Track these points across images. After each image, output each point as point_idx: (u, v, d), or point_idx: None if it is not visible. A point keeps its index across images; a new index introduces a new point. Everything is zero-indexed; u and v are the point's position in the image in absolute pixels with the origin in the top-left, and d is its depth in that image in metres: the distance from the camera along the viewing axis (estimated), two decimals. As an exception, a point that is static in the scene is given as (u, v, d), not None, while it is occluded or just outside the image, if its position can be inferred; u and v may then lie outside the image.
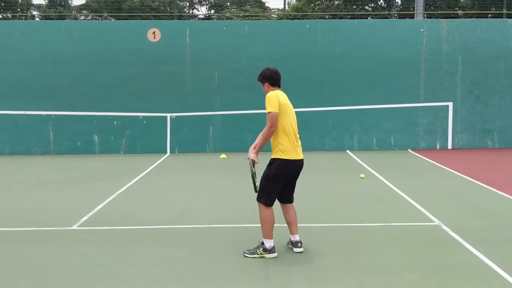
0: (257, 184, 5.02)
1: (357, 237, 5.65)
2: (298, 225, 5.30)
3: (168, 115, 13.15)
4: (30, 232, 6.02)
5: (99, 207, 7.17)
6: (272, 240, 4.95)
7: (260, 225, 5.02)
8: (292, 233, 5.18)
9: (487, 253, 5.00)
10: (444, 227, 5.95)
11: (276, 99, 4.83)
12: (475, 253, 5.04)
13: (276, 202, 5.08)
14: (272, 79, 5.05)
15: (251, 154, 4.92)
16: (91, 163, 11.54)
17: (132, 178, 9.49)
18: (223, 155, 7.58)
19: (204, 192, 8.26)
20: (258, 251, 4.94)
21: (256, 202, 5.02)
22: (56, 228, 6.11)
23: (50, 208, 7.24)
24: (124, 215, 6.78)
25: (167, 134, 13.18)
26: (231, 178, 9.59)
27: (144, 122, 13.13)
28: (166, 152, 13.09)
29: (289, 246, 5.22)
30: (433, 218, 6.39)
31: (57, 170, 10.63)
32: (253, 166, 4.96)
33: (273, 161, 4.92)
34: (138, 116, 13.11)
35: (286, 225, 5.28)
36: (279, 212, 5.23)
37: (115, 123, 13.09)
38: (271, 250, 4.92)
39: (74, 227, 6.18)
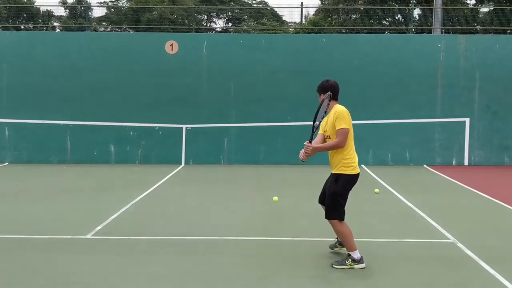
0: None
1: (372, 253, 5.59)
2: (311, 239, 5.31)
3: (184, 126, 13.25)
4: (45, 240, 6.09)
5: (113, 216, 7.23)
6: (358, 251, 5.06)
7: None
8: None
9: (502, 272, 4.92)
10: (459, 245, 5.88)
11: (349, 116, 5.03)
12: (490, 272, 4.97)
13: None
14: (334, 89, 5.18)
15: (313, 147, 4.96)
16: (106, 172, 11.67)
17: (147, 188, 9.55)
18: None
19: (218, 204, 8.28)
20: (347, 262, 5.04)
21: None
22: (70, 237, 6.17)
23: (65, 216, 7.33)
24: (138, 225, 6.82)
25: (182, 145, 13.27)
26: (245, 190, 9.61)
27: (160, 133, 13.25)
28: (181, 163, 13.17)
29: (337, 247, 5.48)
30: (448, 235, 6.32)
31: (73, 179, 10.77)
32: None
33: (339, 176, 5.00)
34: (154, 127, 13.24)
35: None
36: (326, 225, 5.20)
37: (131, 133, 13.24)
38: (360, 261, 5.03)
39: (89, 236, 6.24)
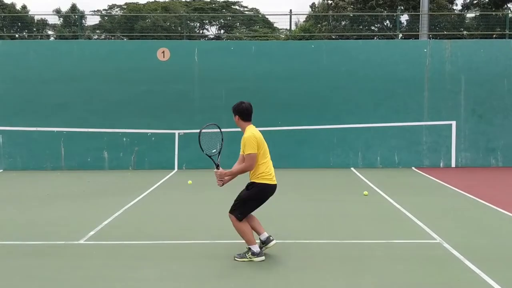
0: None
1: (359, 254, 5.73)
2: (300, 241, 5.47)
3: (177, 132, 13.41)
4: (38, 246, 6.18)
5: (106, 222, 7.34)
6: (257, 245, 5.45)
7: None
8: (261, 233, 5.61)
9: (488, 272, 5.05)
10: (446, 245, 6.02)
11: (255, 141, 5.32)
12: (476, 271, 5.09)
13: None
14: (242, 113, 5.51)
15: (224, 173, 5.48)
16: (100, 178, 11.78)
17: (140, 193, 9.68)
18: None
19: (210, 208, 8.40)
20: (247, 255, 5.43)
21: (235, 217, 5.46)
22: (64, 242, 6.25)
23: (59, 222, 7.42)
24: (130, 230, 6.92)
25: (175, 151, 13.42)
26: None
27: (153, 138, 13.40)
28: (174, 168, 13.31)
29: (263, 247, 5.61)
30: (434, 235, 6.46)
31: (67, 185, 10.87)
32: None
33: (253, 184, 5.43)
34: (147, 133, 13.39)
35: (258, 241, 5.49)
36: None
37: (124, 139, 13.38)
38: (259, 254, 5.41)
39: (82, 241, 6.32)
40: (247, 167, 5.34)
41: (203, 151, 5.73)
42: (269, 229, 6.84)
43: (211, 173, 13.65)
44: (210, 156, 5.72)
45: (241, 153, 5.52)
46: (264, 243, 5.57)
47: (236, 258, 5.47)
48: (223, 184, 5.52)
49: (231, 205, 5.54)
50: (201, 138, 5.80)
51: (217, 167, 5.52)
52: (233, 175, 5.48)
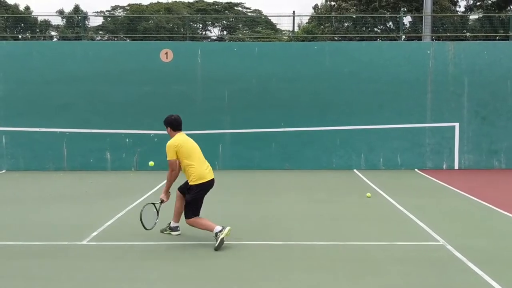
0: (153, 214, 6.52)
1: (362, 256, 5.73)
2: (303, 242, 5.45)
3: (179, 133, 13.40)
4: (41, 246, 6.20)
5: (109, 222, 7.35)
6: (217, 226, 6.05)
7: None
8: (174, 220, 6.56)
9: (491, 274, 5.05)
10: (449, 247, 6.02)
11: (173, 149, 6.12)
12: (479, 273, 5.08)
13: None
14: (172, 125, 6.31)
15: (162, 194, 6.39)
16: (102, 179, 11.79)
17: (142, 194, 9.70)
18: (151, 162, 8.57)
19: (211, 209, 8.39)
20: (218, 236, 5.93)
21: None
22: (66, 243, 6.27)
23: (61, 223, 7.44)
24: (133, 231, 6.91)
25: (177, 152, 13.40)
26: (240, 195, 9.76)
27: (155, 139, 13.41)
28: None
29: (166, 231, 6.62)
30: (438, 237, 6.46)
31: (69, 186, 10.89)
32: (160, 204, 6.49)
33: (190, 187, 6.19)
34: (150, 134, 13.41)
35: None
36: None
37: (127, 140, 13.40)
38: (222, 230, 5.97)
39: (84, 242, 6.34)
40: (169, 174, 6.21)
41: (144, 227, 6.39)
42: (273, 230, 6.89)
43: (214, 173, 13.66)
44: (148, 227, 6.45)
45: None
46: (171, 229, 6.60)
47: (217, 249, 5.92)
48: (166, 200, 6.45)
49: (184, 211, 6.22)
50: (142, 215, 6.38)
51: (161, 203, 6.53)
52: (167, 188, 6.38)
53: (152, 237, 6.56)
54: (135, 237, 6.56)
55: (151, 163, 7.96)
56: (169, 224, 6.63)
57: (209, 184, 6.26)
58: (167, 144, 6.16)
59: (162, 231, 6.62)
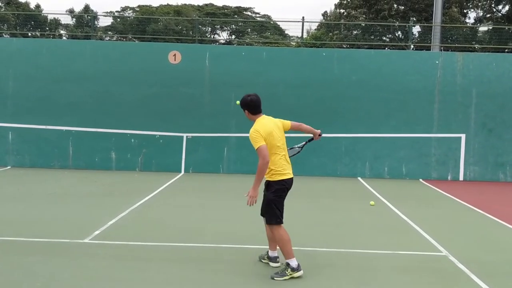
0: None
1: (364, 264, 5.70)
2: (306, 249, 5.43)
3: (185, 135, 13.44)
4: (43, 243, 6.20)
5: (111, 222, 7.35)
6: (295, 258, 5.11)
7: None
8: (271, 249, 5.50)
9: (493, 286, 5.01)
10: (452, 258, 5.98)
11: (258, 132, 5.03)
12: (482, 286, 5.05)
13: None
14: (249, 107, 5.21)
15: (251, 191, 5.10)
16: (107, 179, 11.82)
17: (146, 195, 9.70)
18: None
19: (216, 212, 8.41)
20: (287, 272, 5.04)
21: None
22: (68, 240, 6.27)
23: (64, 220, 7.45)
24: (136, 231, 6.93)
25: (182, 154, 13.45)
26: (243, 199, 9.72)
27: (161, 141, 13.43)
28: (180, 171, 13.33)
29: (264, 260, 5.56)
30: (441, 248, 6.42)
31: (74, 184, 10.92)
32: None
33: (268, 183, 5.18)
34: (155, 135, 13.43)
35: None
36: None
37: (133, 141, 13.43)
38: (297, 268, 5.07)
39: (86, 240, 6.34)
40: (262, 164, 4.95)
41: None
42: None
43: (218, 177, 13.73)
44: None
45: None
46: (269, 259, 5.49)
47: (275, 278, 5.03)
48: (255, 198, 5.13)
49: (264, 215, 5.26)
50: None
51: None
52: (259, 182, 5.05)
53: (155, 238, 6.56)
54: (138, 238, 6.56)
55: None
56: (267, 252, 5.59)
57: (289, 184, 5.21)
58: (250, 131, 5.07)
59: (260, 259, 5.65)
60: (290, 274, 5.03)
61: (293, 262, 5.05)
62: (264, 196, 5.24)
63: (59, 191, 9.95)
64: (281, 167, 5.11)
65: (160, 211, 8.42)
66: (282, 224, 5.15)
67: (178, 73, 13.42)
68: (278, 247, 5.35)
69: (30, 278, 4.95)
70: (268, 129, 5.10)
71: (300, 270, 5.06)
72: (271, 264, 5.43)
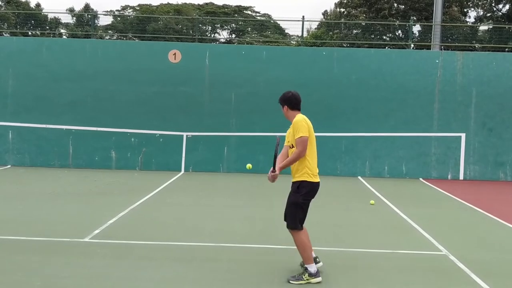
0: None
1: (364, 263, 5.70)
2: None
3: (185, 134, 13.45)
4: (43, 242, 6.20)
5: (111, 221, 7.35)
6: (314, 264, 4.99)
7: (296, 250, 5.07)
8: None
9: (493, 286, 5.01)
10: (451, 257, 5.98)
11: (307, 124, 4.97)
12: (481, 285, 5.05)
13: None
14: (290, 102, 5.18)
15: (276, 171, 4.96)
16: (107, 178, 11.82)
17: (146, 194, 9.70)
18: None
19: (215, 211, 8.41)
20: (304, 277, 4.93)
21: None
22: (68, 239, 6.27)
23: (64, 219, 7.44)
24: (135, 230, 6.93)
25: (182, 153, 13.45)
26: (242, 199, 9.75)
27: (161, 140, 13.43)
28: (180, 170, 13.34)
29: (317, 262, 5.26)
30: (441, 247, 6.42)
31: (73, 184, 10.92)
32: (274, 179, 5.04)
33: (300, 184, 4.94)
34: (155, 134, 13.43)
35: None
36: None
37: (133, 140, 13.43)
38: (316, 274, 4.94)
39: (86, 239, 6.34)
40: (299, 153, 4.83)
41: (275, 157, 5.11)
42: (276, 235, 6.87)
43: (218, 176, 13.70)
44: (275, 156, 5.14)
45: (286, 143, 5.14)
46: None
47: (291, 281, 4.91)
48: (274, 181, 5.02)
49: (285, 218, 5.04)
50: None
51: (274, 169, 5.01)
52: (287, 166, 4.96)
53: (155, 237, 6.55)
54: (138, 237, 6.56)
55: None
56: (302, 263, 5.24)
57: (317, 188, 5.04)
58: (297, 120, 5.00)
59: (301, 265, 5.23)
60: (307, 280, 4.89)
61: (312, 268, 4.93)
62: (289, 198, 5.03)
63: (59, 190, 9.95)
64: (315, 170, 4.99)
65: (160, 210, 8.41)
66: (303, 229, 5.00)
67: (178, 72, 13.41)
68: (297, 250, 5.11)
69: (30, 277, 4.94)
70: (311, 126, 5.04)
71: (318, 277, 4.93)
72: (317, 266, 5.16)
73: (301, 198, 4.92)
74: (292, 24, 68.26)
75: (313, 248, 5.14)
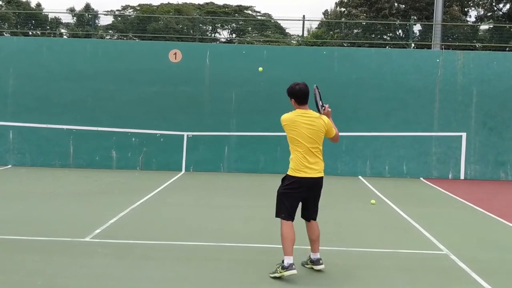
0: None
1: (365, 263, 5.69)
2: (306, 247, 5.42)
3: (185, 133, 13.45)
4: (44, 242, 6.20)
5: (112, 220, 7.35)
6: (291, 257, 4.92)
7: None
8: (312, 251, 5.26)
9: (494, 285, 5.00)
10: (452, 257, 5.98)
11: (286, 121, 5.16)
12: (482, 284, 5.04)
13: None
14: (296, 96, 5.16)
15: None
16: (107, 177, 11.82)
17: (147, 194, 9.70)
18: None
19: (216, 211, 8.41)
20: (278, 269, 4.95)
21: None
22: (69, 239, 6.27)
23: (65, 219, 7.45)
24: (136, 229, 6.93)
25: (183, 153, 13.45)
26: (244, 198, 9.75)
27: (162, 139, 13.44)
28: (181, 170, 13.34)
29: (307, 265, 5.32)
30: (441, 247, 6.42)
31: (74, 183, 10.92)
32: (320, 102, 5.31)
33: (285, 177, 5.15)
34: (156, 134, 13.44)
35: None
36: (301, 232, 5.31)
37: (133, 139, 13.44)
38: (288, 267, 4.87)
39: (87, 239, 6.34)
40: (336, 135, 5.33)
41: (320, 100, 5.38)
42: (276, 234, 6.84)
43: (219, 175, 13.69)
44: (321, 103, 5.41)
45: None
46: (312, 262, 5.26)
47: (270, 275, 5.01)
48: (325, 111, 5.32)
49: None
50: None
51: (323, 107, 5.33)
52: (332, 126, 5.29)
53: (156, 237, 6.56)
54: (138, 236, 6.56)
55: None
56: (309, 256, 5.38)
57: (307, 183, 4.99)
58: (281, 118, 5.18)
59: (303, 264, 5.39)
60: (280, 272, 4.90)
61: (286, 260, 4.89)
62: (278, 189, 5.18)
63: (59, 190, 9.95)
64: (299, 166, 5.01)
65: (160, 210, 8.41)
66: (290, 222, 5.01)
67: (178, 71, 13.42)
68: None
69: (31, 276, 4.94)
70: (299, 122, 5.06)
71: (291, 270, 4.85)
72: (315, 267, 5.22)
73: (281, 188, 5.08)
74: (292, 23, 68.23)
75: (320, 248, 5.18)
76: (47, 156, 13.40)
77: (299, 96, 5.11)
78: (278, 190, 5.13)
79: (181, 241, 6.41)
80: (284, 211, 5.01)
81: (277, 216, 5.12)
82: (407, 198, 10.23)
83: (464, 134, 13.30)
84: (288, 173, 5.09)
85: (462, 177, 13.30)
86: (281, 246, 5.04)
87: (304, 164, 5.01)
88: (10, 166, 13.29)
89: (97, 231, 6.72)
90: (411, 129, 13.31)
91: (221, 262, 5.58)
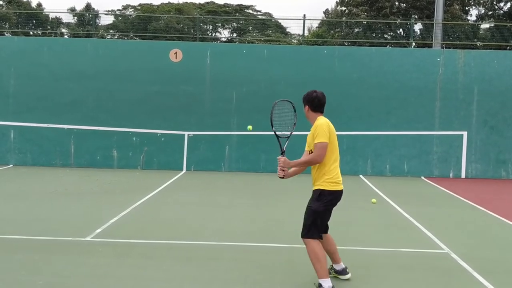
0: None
1: (366, 262, 5.70)
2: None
3: (186, 133, 13.45)
4: (45, 241, 6.22)
5: (113, 220, 7.36)
6: (329, 279, 4.55)
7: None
8: (336, 262, 5.04)
9: (495, 283, 5.00)
10: (453, 255, 5.98)
11: (328, 129, 4.62)
12: (483, 283, 5.04)
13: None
14: (312, 103, 4.81)
15: (287, 163, 4.70)
16: (108, 177, 11.83)
17: (148, 193, 9.71)
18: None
19: (217, 210, 8.42)
20: None
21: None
22: (70, 239, 6.29)
23: (66, 219, 7.46)
24: (137, 229, 6.94)
25: (184, 152, 13.46)
26: (245, 198, 9.75)
27: (162, 139, 13.45)
28: (182, 169, 13.35)
29: (331, 274, 5.06)
30: (443, 246, 6.42)
31: (75, 183, 10.93)
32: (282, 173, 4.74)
33: (321, 192, 4.65)
34: (157, 133, 13.45)
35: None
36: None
37: (134, 139, 13.45)
38: None
39: (88, 238, 6.36)
40: (315, 157, 4.52)
41: (273, 127, 4.89)
42: (277, 233, 6.87)
43: (220, 175, 13.65)
44: (278, 137, 4.88)
45: (306, 148, 4.77)
46: (338, 272, 5.01)
47: None
48: (284, 176, 4.72)
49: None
50: (274, 110, 4.94)
51: (283, 153, 4.73)
52: (299, 165, 4.70)
53: (156, 236, 6.56)
54: (139, 236, 6.57)
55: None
56: (332, 266, 5.09)
57: (340, 197, 4.76)
58: (319, 123, 4.63)
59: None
60: None
61: (326, 283, 4.46)
62: (309, 205, 4.73)
63: (60, 190, 9.96)
64: (337, 178, 4.67)
65: (161, 209, 8.42)
66: (318, 240, 4.65)
67: (179, 71, 13.42)
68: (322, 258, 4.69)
69: (32, 276, 4.96)
70: (333, 131, 4.69)
71: None
72: (341, 277, 4.97)
73: (322, 206, 4.63)
74: (293, 23, 68.20)
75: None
76: (48, 155, 13.42)
77: (318, 104, 4.79)
78: (312, 208, 4.65)
79: (182, 240, 6.41)
80: (319, 230, 4.66)
81: (307, 236, 4.61)
82: (408, 197, 10.22)
83: (465, 133, 13.29)
84: (324, 188, 4.62)
85: (463, 176, 13.29)
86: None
87: (340, 176, 4.74)
88: (11, 165, 13.31)
89: (98, 230, 6.73)
90: (412, 128, 13.30)
91: (222, 261, 5.59)
